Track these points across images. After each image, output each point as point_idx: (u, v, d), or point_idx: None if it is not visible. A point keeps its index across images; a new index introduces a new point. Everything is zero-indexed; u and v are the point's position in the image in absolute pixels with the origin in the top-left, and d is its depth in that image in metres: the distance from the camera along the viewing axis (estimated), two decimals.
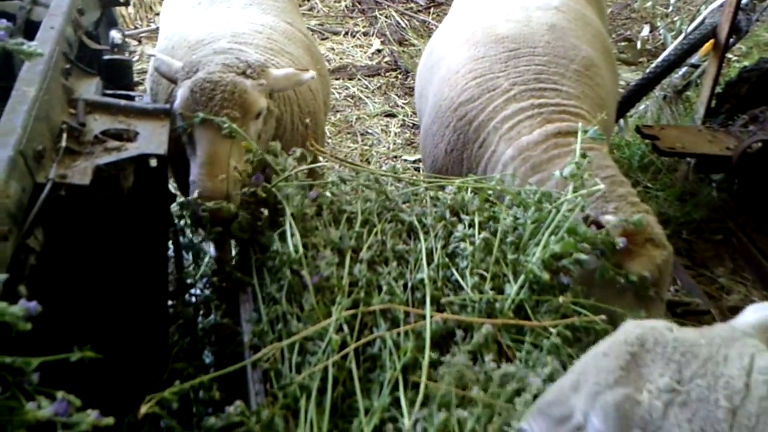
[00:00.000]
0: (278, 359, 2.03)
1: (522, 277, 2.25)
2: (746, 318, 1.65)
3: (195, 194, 2.60)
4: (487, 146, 3.31)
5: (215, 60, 2.77)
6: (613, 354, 1.50)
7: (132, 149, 2.14)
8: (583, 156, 2.52)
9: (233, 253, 2.73)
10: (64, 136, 2.06)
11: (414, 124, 6.62)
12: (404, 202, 2.71)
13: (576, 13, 4.00)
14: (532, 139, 3.12)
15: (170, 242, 2.75)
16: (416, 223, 2.55)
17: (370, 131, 6.48)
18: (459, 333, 2.12)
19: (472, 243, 2.42)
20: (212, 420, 1.80)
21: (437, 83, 3.74)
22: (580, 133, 2.64)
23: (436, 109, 3.60)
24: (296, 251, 2.27)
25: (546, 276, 2.22)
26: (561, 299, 2.22)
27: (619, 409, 1.42)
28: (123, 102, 2.34)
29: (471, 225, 2.51)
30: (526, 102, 3.26)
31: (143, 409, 1.73)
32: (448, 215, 2.59)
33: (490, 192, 2.72)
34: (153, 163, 2.18)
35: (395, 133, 6.46)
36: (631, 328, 1.56)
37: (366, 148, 6.21)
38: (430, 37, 8.14)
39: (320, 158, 2.79)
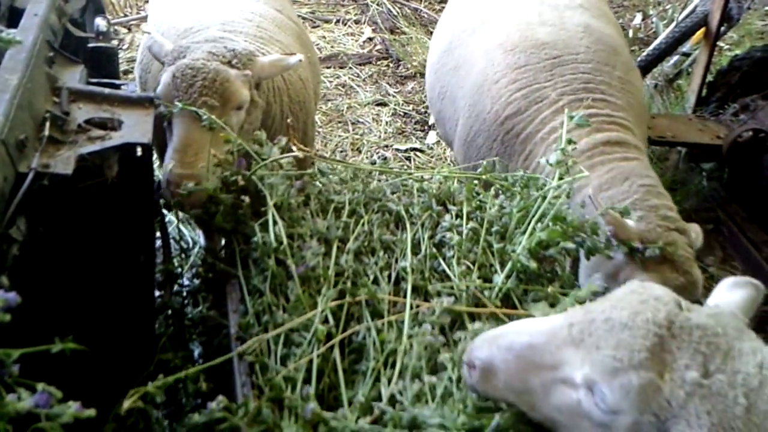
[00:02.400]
0: (264, 351, 2.02)
1: (509, 266, 2.24)
2: (727, 296, 1.69)
3: (164, 179, 2.60)
4: (532, 158, 3.27)
5: (203, 47, 2.75)
6: (639, 332, 1.49)
7: (116, 138, 2.12)
8: (570, 142, 2.50)
9: (223, 242, 2.71)
10: (47, 124, 2.04)
11: (405, 113, 6.60)
12: (392, 193, 2.70)
13: (598, 9, 3.96)
14: (579, 147, 3.05)
15: (158, 232, 2.73)
16: (403, 213, 2.54)
17: (361, 120, 6.46)
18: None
19: (459, 233, 2.41)
20: (195, 417, 1.78)
21: (472, 90, 3.67)
22: (566, 119, 2.61)
23: (479, 122, 3.55)
24: (278, 241, 2.26)
25: (533, 265, 2.21)
26: (549, 289, 2.22)
27: (642, 393, 1.44)
28: (107, 90, 2.32)
29: (458, 215, 2.51)
30: (574, 106, 3.20)
31: (126, 403, 1.72)
32: (435, 205, 2.59)
33: (476, 182, 2.71)
34: (138, 152, 2.16)
35: (386, 122, 6.44)
36: (652, 302, 1.55)
37: (357, 137, 6.19)
38: (421, 25, 8.18)
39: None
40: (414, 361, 1.92)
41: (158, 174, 2.97)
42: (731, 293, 1.70)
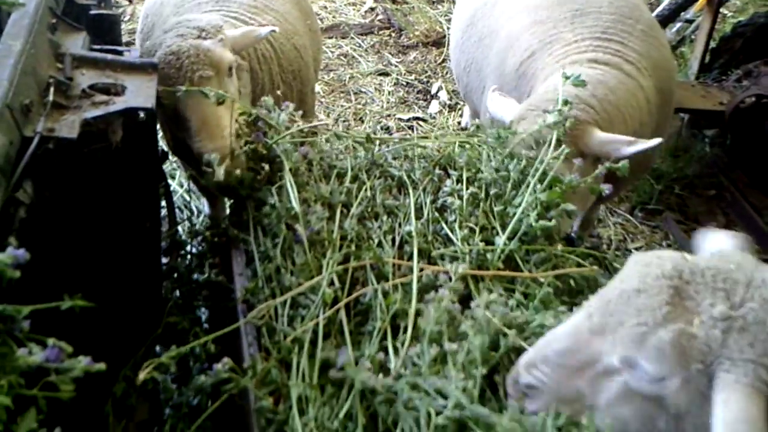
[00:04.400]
0: (271, 314, 2.05)
1: (509, 228, 2.26)
2: (722, 244, 1.64)
3: (205, 162, 2.54)
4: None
5: (168, 36, 2.74)
6: (653, 290, 1.45)
7: (120, 103, 2.13)
8: (566, 103, 2.51)
9: (227, 210, 2.74)
10: (52, 90, 2.05)
11: (407, 83, 6.59)
12: (394, 158, 2.71)
13: None
14: (565, 61, 3.04)
15: (162, 198, 2.75)
16: (405, 178, 2.56)
17: (363, 90, 6.45)
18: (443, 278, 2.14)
19: (460, 197, 2.43)
20: (202, 378, 1.82)
21: (498, 55, 3.67)
22: (561, 80, 2.61)
23: (502, 79, 3.55)
24: (294, 205, 2.28)
25: (544, 223, 2.21)
26: (560, 248, 2.25)
27: (676, 345, 1.38)
28: (110, 56, 2.32)
29: (459, 180, 2.53)
30: (585, 43, 3.19)
31: (142, 375, 1.75)
32: (436, 170, 2.60)
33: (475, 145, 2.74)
34: (141, 116, 2.17)
35: (389, 92, 6.43)
36: (651, 259, 1.52)
37: (360, 107, 6.19)
38: None
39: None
40: (432, 326, 1.92)
41: (162, 145, 2.98)
42: (726, 241, 1.66)
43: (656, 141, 2.58)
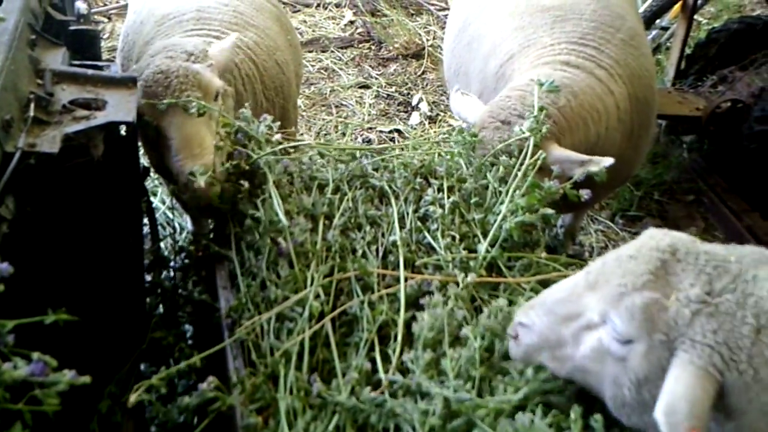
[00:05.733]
0: (257, 331, 2.05)
1: (490, 235, 2.28)
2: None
3: (185, 181, 2.52)
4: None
5: (158, 57, 2.72)
6: (643, 258, 1.54)
7: (101, 118, 2.12)
8: (541, 110, 2.53)
9: (210, 226, 2.73)
10: (32, 105, 2.04)
11: (388, 95, 6.62)
12: (374, 169, 2.72)
13: None
14: (538, 61, 3.06)
15: (145, 215, 2.74)
16: (387, 188, 2.57)
17: (344, 103, 6.48)
18: (435, 283, 2.16)
19: (442, 206, 2.44)
20: (187, 399, 1.79)
21: (482, 59, 3.70)
22: (536, 87, 2.63)
23: (484, 83, 3.59)
24: (277, 219, 2.28)
25: (523, 218, 2.24)
26: (543, 255, 2.27)
27: (646, 311, 1.47)
28: (90, 71, 2.32)
29: (440, 189, 2.54)
30: (560, 46, 3.22)
31: (132, 397, 1.73)
32: (417, 179, 2.62)
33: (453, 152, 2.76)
34: (122, 131, 2.17)
35: (369, 105, 6.46)
36: (660, 235, 1.60)
37: (341, 120, 6.21)
38: (402, 6, 8.19)
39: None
40: (426, 332, 1.95)
41: (144, 161, 2.97)
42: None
43: (609, 161, 2.56)
